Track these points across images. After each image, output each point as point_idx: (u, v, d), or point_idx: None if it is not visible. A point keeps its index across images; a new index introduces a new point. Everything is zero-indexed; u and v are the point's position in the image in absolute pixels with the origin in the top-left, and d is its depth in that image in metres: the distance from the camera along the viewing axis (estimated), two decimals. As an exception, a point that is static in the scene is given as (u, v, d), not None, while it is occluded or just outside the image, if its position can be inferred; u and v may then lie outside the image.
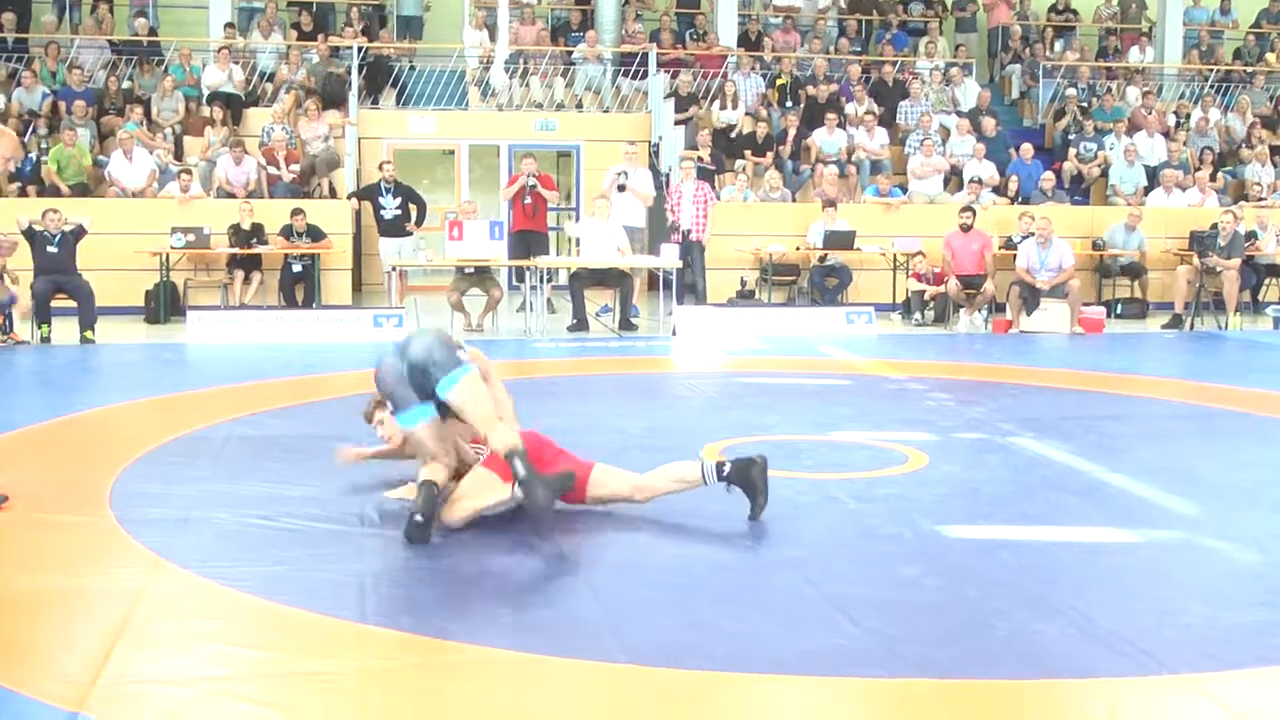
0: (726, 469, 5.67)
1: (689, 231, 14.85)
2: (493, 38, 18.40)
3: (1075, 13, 22.23)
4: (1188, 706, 3.78)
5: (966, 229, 14.61)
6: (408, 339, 5.68)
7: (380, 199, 15.02)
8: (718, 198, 15.61)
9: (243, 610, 4.53)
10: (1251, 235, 15.65)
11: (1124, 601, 4.70)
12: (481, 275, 13.69)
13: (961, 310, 14.44)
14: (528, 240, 14.76)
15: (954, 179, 17.16)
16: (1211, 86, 20.46)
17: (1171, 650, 4.16)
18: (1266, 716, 3.70)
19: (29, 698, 3.73)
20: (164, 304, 14.23)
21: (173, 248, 14.21)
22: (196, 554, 5.14)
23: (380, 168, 15.54)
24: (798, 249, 15.60)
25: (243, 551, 5.22)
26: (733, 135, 17.42)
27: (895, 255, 15.56)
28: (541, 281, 13.78)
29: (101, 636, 4.20)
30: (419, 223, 15.17)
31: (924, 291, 14.84)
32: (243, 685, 3.88)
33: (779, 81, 18.66)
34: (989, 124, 17.89)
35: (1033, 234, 14.34)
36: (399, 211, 14.95)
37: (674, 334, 13.27)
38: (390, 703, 3.76)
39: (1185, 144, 18.49)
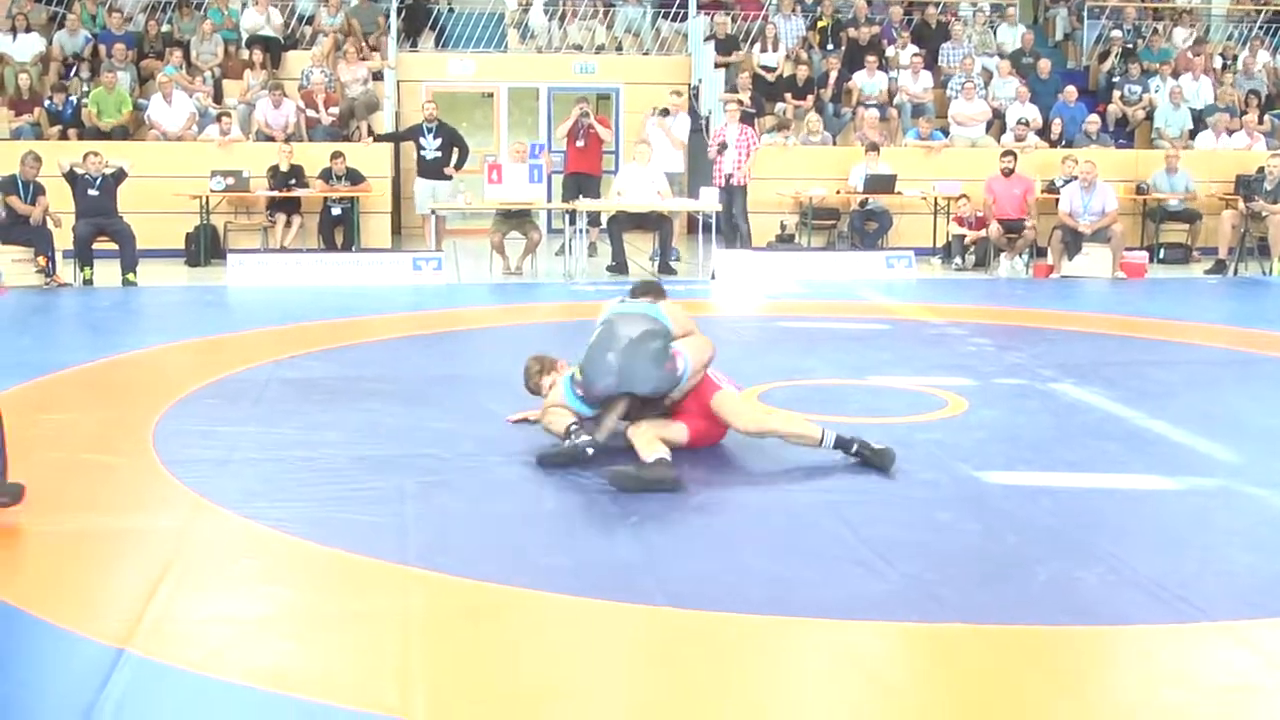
0: (854, 447, 5.80)
1: (731, 175, 14.75)
2: (532, -21, 18.32)
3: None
4: (1226, 654, 3.76)
5: (1008, 173, 14.47)
6: (628, 369, 5.73)
7: (422, 139, 14.98)
8: (758, 141, 15.51)
9: (284, 551, 4.58)
10: (1299, 179, 15.42)
11: (1164, 548, 4.68)
12: (520, 218, 13.68)
13: (1002, 255, 14.32)
14: (580, 182, 14.71)
15: (996, 122, 16.98)
16: (1260, 27, 20.11)
17: (1211, 597, 4.15)
18: (1306, 664, 3.69)
19: (76, 634, 3.80)
20: (204, 247, 14.30)
21: (212, 190, 14.26)
22: (238, 494, 5.19)
23: (423, 108, 15.51)
24: (838, 193, 15.49)
25: (284, 492, 5.26)
26: (773, 78, 17.26)
27: (936, 199, 15.44)
28: (585, 225, 13.72)
29: (145, 576, 4.25)
30: (459, 166, 15.13)
31: (965, 236, 14.72)
32: (284, 624, 3.93)
33: (820, 24, 18.46)
34: (1044, 66, 17.69)
35: (1076, 178, 14.18)
36: (439, 153, 14.91)
37: (713, 278, 13.24)
38: (430, 644, 3.79)
39: (1233, 86, 18.21)
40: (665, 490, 5.31)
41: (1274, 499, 5.34)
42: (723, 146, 14.77)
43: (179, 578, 4.26)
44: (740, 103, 15.64)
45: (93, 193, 12.61)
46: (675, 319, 6.01)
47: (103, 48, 16.39)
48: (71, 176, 12.61)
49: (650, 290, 6.45)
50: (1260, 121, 17.49)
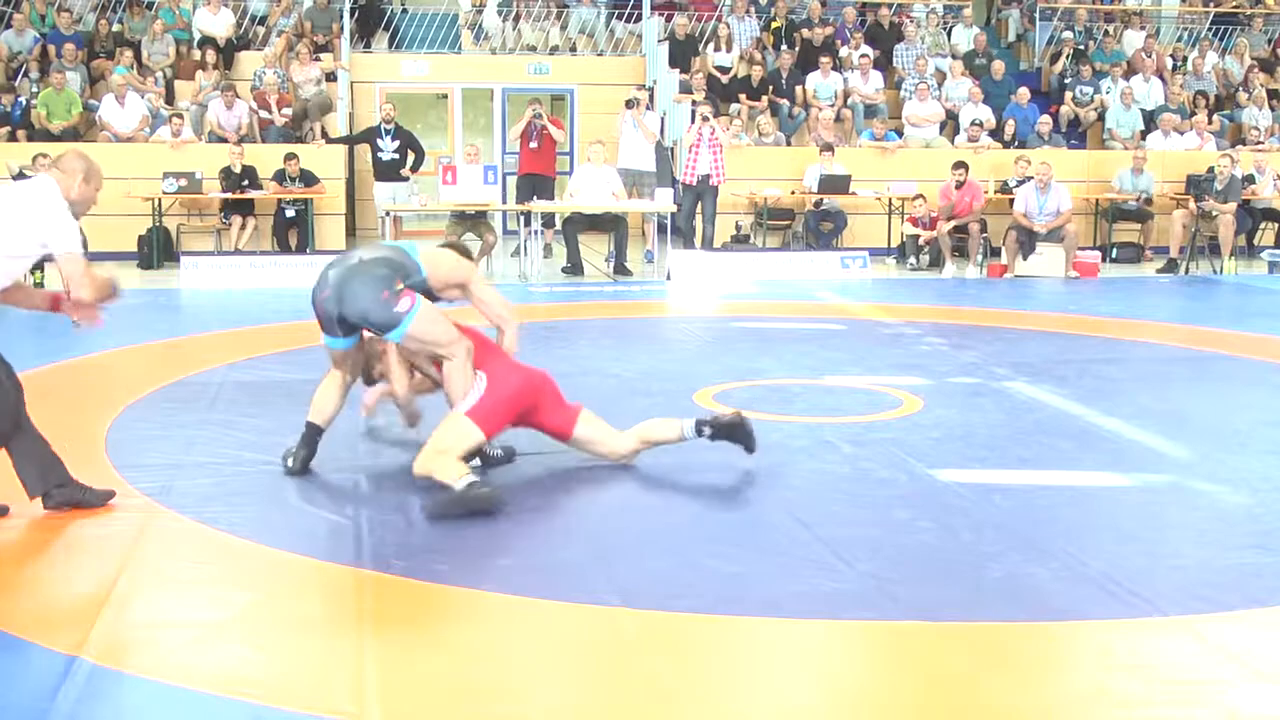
0: (707, 429, 5.57)
1: (708, 176, 14.65)
2: (486, -20, 18.27)
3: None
4: (1179, 648, 3.80)
5: (960, 185, 14.48)
6: (341, 284, 5.46)
7: (379, 140, 14.90)
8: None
9: (239, 554, 4.55)
10: (1248, 179, 15.59)
11: (1116, 544, 4.72)
12: (476, 220, 13.65)
13: (950, 263, 14.33)
14: (533, 183, 14.68)
15: (950, 123, 17.07)
16: (1209, 29, 20.33)
17: (1163, 592, 4.19)
18: (1257, 658, 3.73)
19: (28, 642, 3.75)
20: (157, 249, 14.18)
21: (165, 192, 14.15)
22: (192, 499, 5.16)
23: (380, 109, 15.43)
24: (793, 193, 15.54)
25: (239, 496, 5.23)
26: (727, 79, 17.28)
27: (891, 200, 15.51)
28: (540, 226, 13.71)
29: (99, 581, 4.21)
30: (415, 169, 15.07)
31: (919, 236, 14.79)
32: (239, 628, 3.90)
33: (774, 24, 18.51)
34: (997, 68, 17.79)
35: (1030, 178, 14.27)
36: (396, 155, 14.85)
37: (668, 278, 13.24)
38: (384, 646, 3.77)
39: (1182, 87, 18.39)
40: (486, 509, 4.95)
41: (1223, 494, 5.39)
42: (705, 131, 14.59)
43: (132, 583, 4.22)
44: (696, 102, 15.63)
45: (43, 195, 12.47)
46: (438, 266, 5.60)
47: (52, 48, 16.22)
48: (20, 179, 12.48)
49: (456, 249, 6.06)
50: (1210, 122, 17.67)
